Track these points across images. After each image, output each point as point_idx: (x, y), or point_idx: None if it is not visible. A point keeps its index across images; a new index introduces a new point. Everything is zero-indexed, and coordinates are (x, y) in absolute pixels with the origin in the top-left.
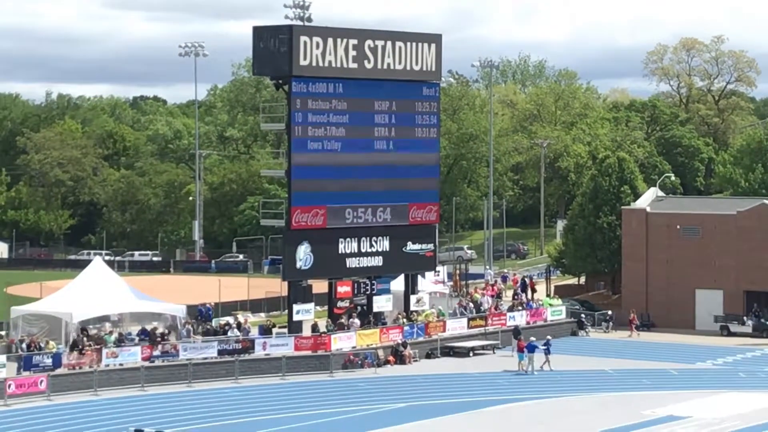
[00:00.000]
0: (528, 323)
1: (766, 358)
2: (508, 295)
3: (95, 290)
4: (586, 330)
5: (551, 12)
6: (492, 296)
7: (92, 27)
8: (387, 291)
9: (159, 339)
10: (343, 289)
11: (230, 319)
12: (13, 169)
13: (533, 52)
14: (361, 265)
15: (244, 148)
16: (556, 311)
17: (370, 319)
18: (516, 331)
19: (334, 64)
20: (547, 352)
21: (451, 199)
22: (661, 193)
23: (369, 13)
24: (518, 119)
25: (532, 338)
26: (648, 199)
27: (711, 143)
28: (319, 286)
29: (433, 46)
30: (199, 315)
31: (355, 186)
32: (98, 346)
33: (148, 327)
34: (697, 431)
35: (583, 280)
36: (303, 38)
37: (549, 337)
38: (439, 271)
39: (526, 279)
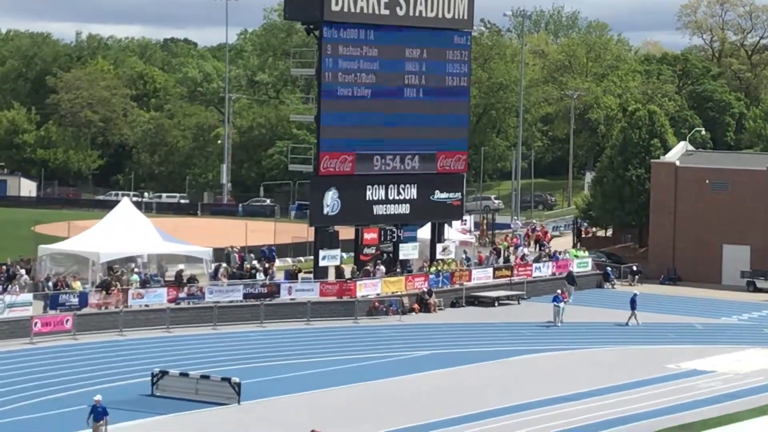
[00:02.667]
0: (553, 274)
1: None
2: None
3: (122, 231)
4: (612, 282)
5: None
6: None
7: None
8: (413, 239)
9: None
10: (370, 236)
11: (256, 263)
12: (42, 108)
13: (567, 2)
14: (388, 213)
15: (273, 93)
16: (582, 263)
17: (396, 268)
18: (570, 278)
19: (365, 11)
20: (633, 306)
21: (479, 149)
22: (690, 147)
23: None
24: (549, 70)
25: (559, 290)
26: (677, 153)
27: (742, 98)
28: (346, 233)
29: None
30: (263, 256)
31: (384, 133)
32: (125, 287)
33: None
34: (721, 386)
35: (610, 232)
36: None
37: (636, 292)
38: (466, 220)
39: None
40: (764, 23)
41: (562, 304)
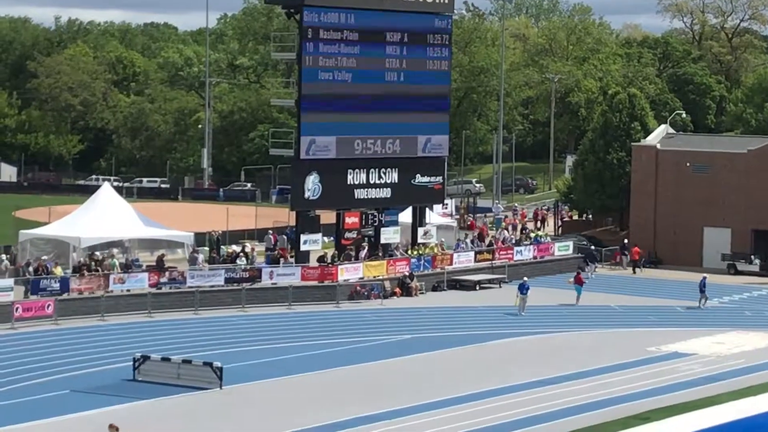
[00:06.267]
0: (535, 258)
1: None
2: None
3: (103, 215)
4: (594, 266)
5: None
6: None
7: None
8: (395, 223)
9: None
10: (351, 220)
11: (237, 248)
12: (23, 93)
13: None
14: (370, 197)
15: (254, 77)
16: (564, 246)
17: (378, 252)
18: (590, 255)
19: None
20: (703, 288)
21: (460, 133)
22: (671, 130)
23: None
24: (530, 53)
25: (525, 278)
26: (658, 136)
27: (723, 81)
28: (327, 217)
29: None
30: (288, 237)
31: (365, 117)
32: (106, 272)
33: (156, 254)
34: (701, 368)
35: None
36: None
37: (705, 276)
38: (447, 204)
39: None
40: (744, 6)
41: (527, 294)
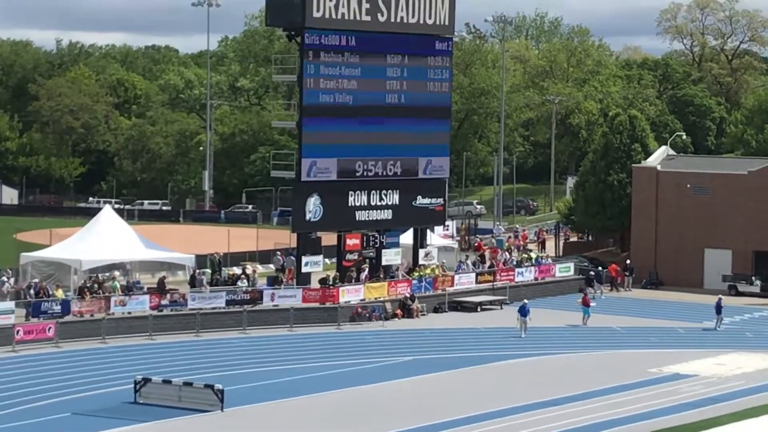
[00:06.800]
0: (536, 279)
1: None
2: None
3: (104, 238)
4: (597, 290)
5: None
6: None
7: None
8: (396, 244)
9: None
10: (352, 241)
11: (238, 270)
12: (24, 115)
13: (551, 8)
14: (371, 218)
15: (255, 99)
16: (565, 268)
17: (379, 274)
18: (597, 276)
19: (347, 17)
20: (719, 310)
21: (461, 154)
22: (672, 152)
23: None
24: (530, 75)
25: (525, 300)
26: (659, 157)
27: (723, 103)
28: (328, 239)
29: (446, 0)
30: (295, 258)
31: (366, 139)
32: (107, 294)
33: (158, 276)
34: (703, 390)
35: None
36: None
37: (721, 297)
38: (448, 226)
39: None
40: (744, 28)
41: (528, 316)
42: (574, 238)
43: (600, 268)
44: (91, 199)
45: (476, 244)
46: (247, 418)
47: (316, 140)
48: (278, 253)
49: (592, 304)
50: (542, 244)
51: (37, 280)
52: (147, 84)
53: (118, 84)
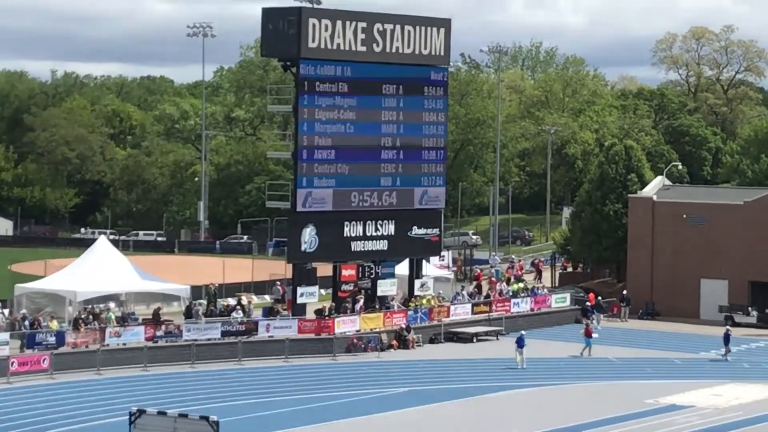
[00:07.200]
0: (532, 310)
1: None
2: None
3: (99, 269)
4: (593, 320)
5: None
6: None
7: (108, 6)
8: (392, 275)
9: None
10: (348, 272)
11: (233, 301)
12: (19, 146)
13: (546, 38)
14: (366, 249)
15: (250, 130)
16: (561, 298)
17: (375, 305)
18: (597, 306)
19: (342, 47)
20: (727, 340)
21: (457, 184)
22: (667, 182)
23: None
24: (526, 105)
25: (522, 332)
26: (655, 187)
27: (719, 133)
28: (324, 269)
29: (442, 30)
30: None
31: (362, 169)
32: (102, 326)
33: (153, 307)
34: (699, 421)
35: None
36: (312, 20)
37: (729, 327)
38: (444, 256)
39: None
40: (739, 58)
41: (524, 347)
42: (571, 269)
43: (599, 297)
44: (83, 230)
45: (476, 275)
46: None
47: (311, 171)
48: (278, 283)
49: (594, 335)
50: (540, 275)
51: (24, 311)
52: (142, 114)
53: (113, 114)
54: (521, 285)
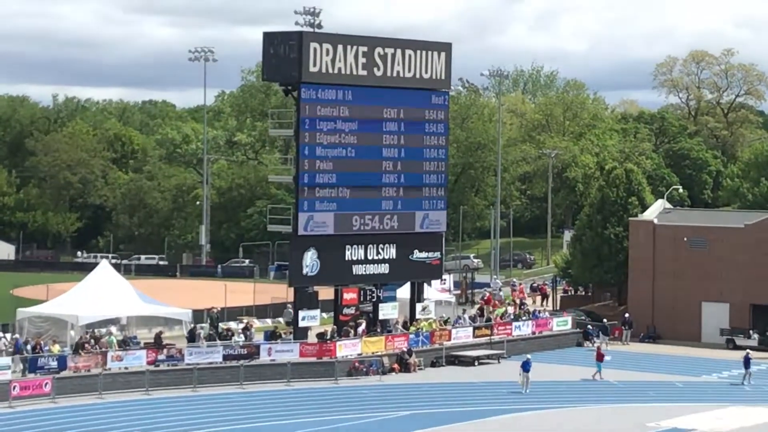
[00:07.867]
0: (533, 333)
1: None
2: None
3: (101, 293)
4: (593, 341)
5: (566, 23)
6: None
7: (109, 31)
8: (393, 299)
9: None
10: (349, 296)
11: (234, 324)
12: (21, 171)
13: (547, 62)
14: (368, 273)
15: (252, 154)
16: (562, 322)
17: (376, 328)
18: (603, 328)
19: (343, 71)
20: (747, 364)
21: (458, 208)
22: (668, 205)
23: (384, 20)
24: (526, 129)
25: (528, 356)
26: (655, 210)
27: (719, 156)
28: (325, 293)
29: (443, 54)
30: None
31: (363, 193)
32: (103, 350)
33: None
34: None
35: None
36: (313, 45)
37: (749, 351)
38: (445, 280)
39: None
40: (739, 81)
41: (530, 371)
42: (572, 292)
43: (605, 320)
44: (79, 254)
45: (486, 298)
46: None
47: (313, 194)
48: (289, 305)
49: (606, 358)
50: (544, 298)
51: (18, 335)
52: (144, 139)
53: (115, 139)
54: (509, 310)
